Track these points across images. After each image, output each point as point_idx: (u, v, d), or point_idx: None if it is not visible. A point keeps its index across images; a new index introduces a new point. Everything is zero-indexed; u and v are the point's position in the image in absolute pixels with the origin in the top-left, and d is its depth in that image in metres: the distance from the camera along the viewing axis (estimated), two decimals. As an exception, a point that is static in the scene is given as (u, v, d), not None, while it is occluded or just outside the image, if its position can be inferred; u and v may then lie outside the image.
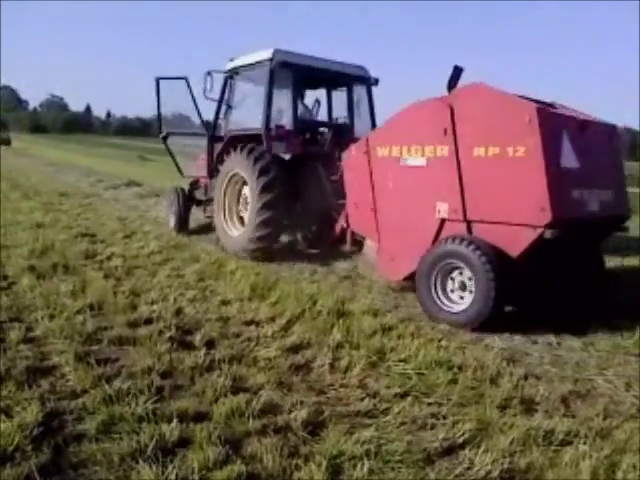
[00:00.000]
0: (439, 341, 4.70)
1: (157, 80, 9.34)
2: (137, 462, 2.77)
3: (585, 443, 3.16)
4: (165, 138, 10.06)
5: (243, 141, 8.08)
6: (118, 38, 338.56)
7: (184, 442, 3.01)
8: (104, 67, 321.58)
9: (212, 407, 3.41)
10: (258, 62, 8.20)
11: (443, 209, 5.62)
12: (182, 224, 9.77)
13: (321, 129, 8.76)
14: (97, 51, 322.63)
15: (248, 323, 5.03)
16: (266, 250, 7.80)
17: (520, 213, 5.05)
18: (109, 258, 7.25)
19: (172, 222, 9.89)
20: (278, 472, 2.80)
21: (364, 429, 3.22)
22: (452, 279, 5.48)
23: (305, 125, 8.56)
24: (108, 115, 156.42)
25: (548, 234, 4.88)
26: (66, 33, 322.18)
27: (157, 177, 12.30)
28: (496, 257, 5.13)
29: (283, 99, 8.41)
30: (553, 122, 5.16)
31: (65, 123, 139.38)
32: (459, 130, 5.47)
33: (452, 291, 5.49)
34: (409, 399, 3.66)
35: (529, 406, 3.65)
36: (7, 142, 49.62)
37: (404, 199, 6.06)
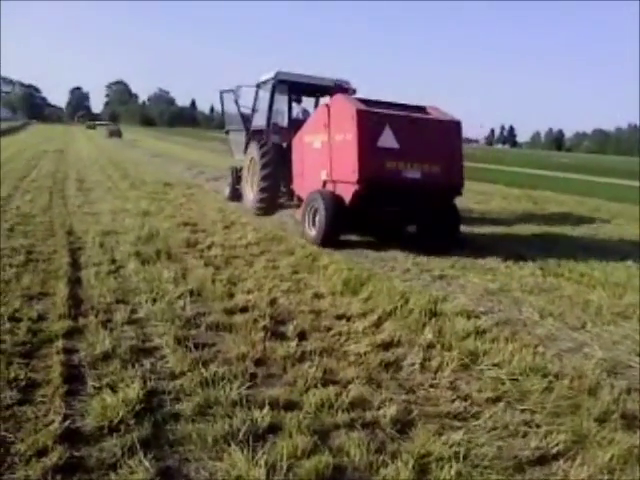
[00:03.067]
0: (535, 347, 4.51)
1: (220, 92, 12.81)
2: (229, 445, 2.87)
3: (696, 468, 2.95)
4: (227, 132, 13.95)
5: (259, 134, 11.23)
6: (226, 40, 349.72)
7: (274, 429, 3.09)
8: (211, 64, 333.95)
9: (302, 397, 3.47)
10: (268, 79, 11.20)
11: (324, 174, 8.51)
12: (234, 195, 12.60)
13: None
14: (205, 49, 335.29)
15: (339, 317, 5.06)
16: (268, 202, 10.68)
17: (348, 175, 7.77)
18: (209, 247, 7.54)
19: (227, 193, 12.93)
20: (365, 467, 2.81)
21: (453, 431, 3.18)
22: (316, 216, 8.24)
23: (299, 123, 10.75)
24: (211, 110, 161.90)
25: (358, 188, 7.62)
26: (176, 31, 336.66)
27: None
28: (334, 204, 7.99)
29: (282, 105, 11.88)
30: (371, 118, 7.74)
31: (171, 116, 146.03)
32: (331, 124, 8.31)
33: (315, 223, 8.24)
34: (501, 404, 3.56)
35: (631, 422, 3.45)
36: (119, 134, 52.63)
37: (312, 169, 8.96)
